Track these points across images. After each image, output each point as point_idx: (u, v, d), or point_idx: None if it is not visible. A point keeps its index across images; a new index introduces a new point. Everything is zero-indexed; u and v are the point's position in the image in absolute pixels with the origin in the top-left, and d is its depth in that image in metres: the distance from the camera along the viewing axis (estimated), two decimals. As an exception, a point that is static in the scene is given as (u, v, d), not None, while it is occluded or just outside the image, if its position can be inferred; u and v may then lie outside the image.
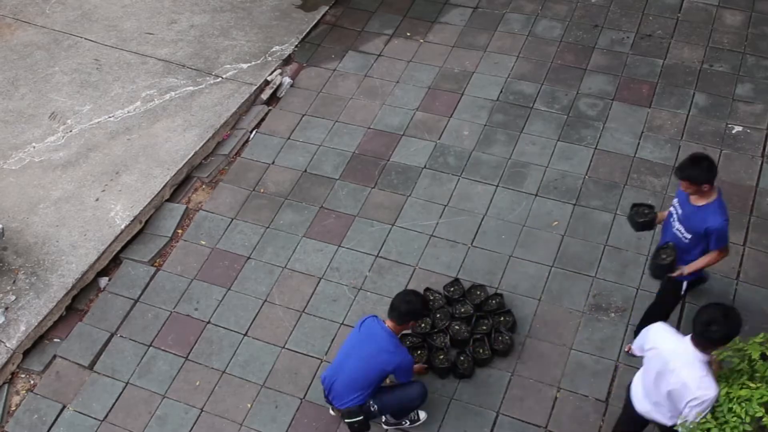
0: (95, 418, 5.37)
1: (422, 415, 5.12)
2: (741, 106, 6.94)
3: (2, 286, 5.93)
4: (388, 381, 4.87)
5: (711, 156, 4.42)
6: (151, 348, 5.68)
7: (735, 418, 3.37)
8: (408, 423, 5.10)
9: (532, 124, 6.91)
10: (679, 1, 7.94)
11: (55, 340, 5.80)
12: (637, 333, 5.03)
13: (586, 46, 7.61)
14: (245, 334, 5.70)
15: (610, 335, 5.51)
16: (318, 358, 5.53)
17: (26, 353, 5.69)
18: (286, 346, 5.62)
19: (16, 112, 7.21)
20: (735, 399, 3.41)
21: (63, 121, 7.10)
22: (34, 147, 6.90)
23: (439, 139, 6.88)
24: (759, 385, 3.48)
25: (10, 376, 5.61)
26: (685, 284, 4.88)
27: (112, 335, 5.77)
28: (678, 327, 5.32)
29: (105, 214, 6.34)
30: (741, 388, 3.45)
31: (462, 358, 5.36)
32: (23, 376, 5.65)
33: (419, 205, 6.39)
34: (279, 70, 7.53)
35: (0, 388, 5.54)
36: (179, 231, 6.39)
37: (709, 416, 3.48)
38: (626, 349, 5.34)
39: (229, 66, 7.52)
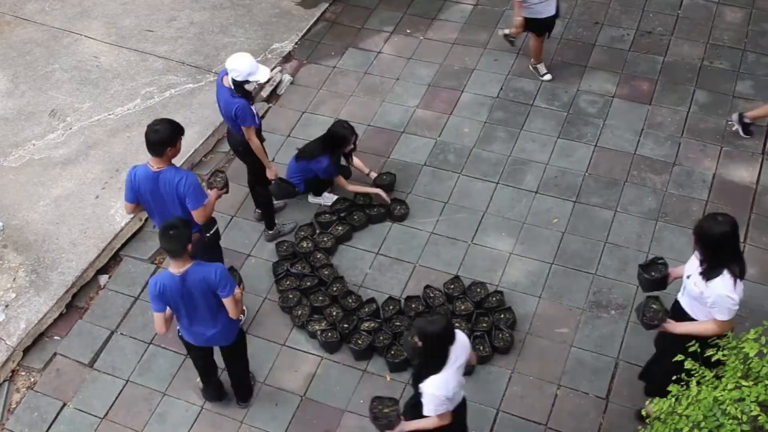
0: (95, 416, 5.37)
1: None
2: (741, 103, 6.94)
3: (2, 284, 5.93)
4: None
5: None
6: (151, 345, 5.68)
7: (731, 421, 3.35)
8: None
9: (532, 122, 6.91)
10: (680, -2, 7.94)
11: (56, 337, 5.80)
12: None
13: (586, 43, 7.60)
14: (245, 332, 5.69)
15: (610, 332, 5.51)
16: (318, 356, 5.53)
17: (26, 351, 5.69)
18: (286, 344, 5.62)
19: (16, 109, 7.21)
20: (726, 402, 3.39)
21: (63, 118, 7.10)
22: (34, 144, 6.90)
23: (439, 136, 6.88)
24: (751, 383, 3.46)
25: (10, 374, 5.61)
26: None
27: (112, 333, 5.78)
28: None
29: (105, 211, 6.34)
30: (733, 389, 3.43)
31: None
32: (23, 373, 5.65)
33: (419, 202, 6.38)
34: (279, 68, 7.52)
35: (0, 385, 5.54)
36: (179, 228, 6.38)
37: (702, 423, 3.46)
38: None
39: (228, 63, 7.50)
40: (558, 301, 5.71)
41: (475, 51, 7.60)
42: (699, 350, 3.93)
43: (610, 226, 6.13)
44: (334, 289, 5.79)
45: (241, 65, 5.26)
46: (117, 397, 5.44)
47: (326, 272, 5.89)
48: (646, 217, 6.16)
